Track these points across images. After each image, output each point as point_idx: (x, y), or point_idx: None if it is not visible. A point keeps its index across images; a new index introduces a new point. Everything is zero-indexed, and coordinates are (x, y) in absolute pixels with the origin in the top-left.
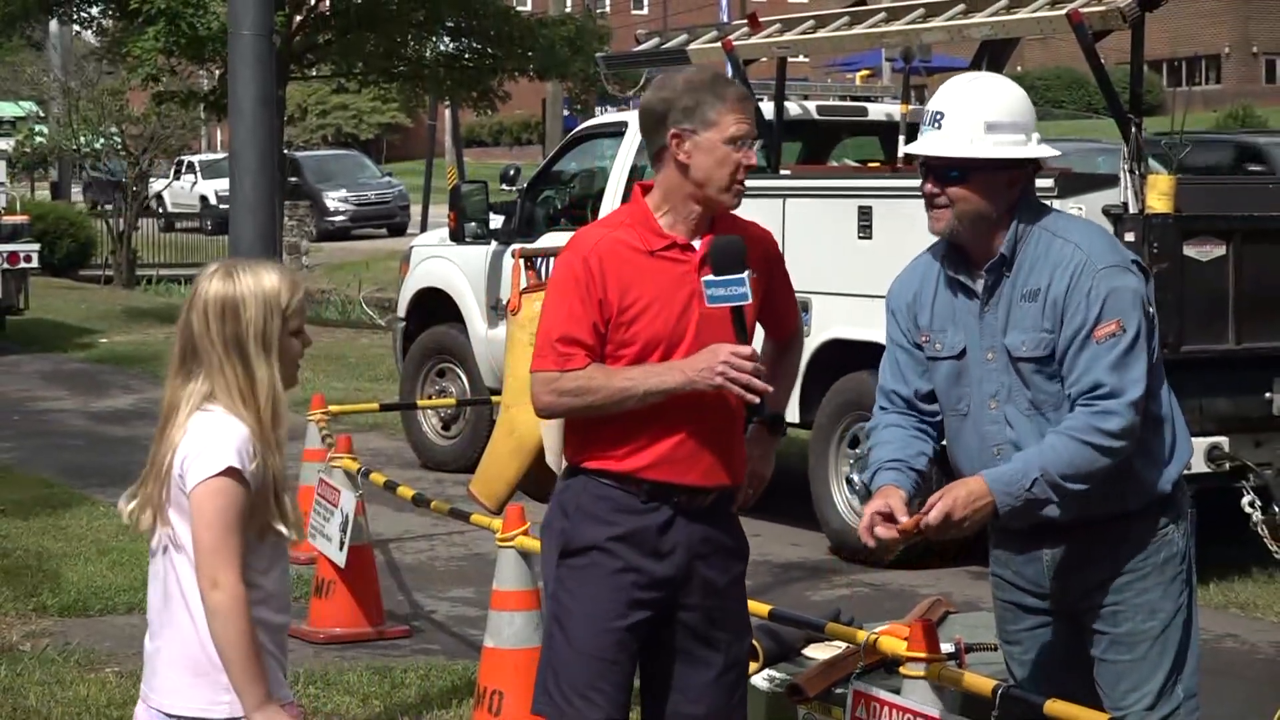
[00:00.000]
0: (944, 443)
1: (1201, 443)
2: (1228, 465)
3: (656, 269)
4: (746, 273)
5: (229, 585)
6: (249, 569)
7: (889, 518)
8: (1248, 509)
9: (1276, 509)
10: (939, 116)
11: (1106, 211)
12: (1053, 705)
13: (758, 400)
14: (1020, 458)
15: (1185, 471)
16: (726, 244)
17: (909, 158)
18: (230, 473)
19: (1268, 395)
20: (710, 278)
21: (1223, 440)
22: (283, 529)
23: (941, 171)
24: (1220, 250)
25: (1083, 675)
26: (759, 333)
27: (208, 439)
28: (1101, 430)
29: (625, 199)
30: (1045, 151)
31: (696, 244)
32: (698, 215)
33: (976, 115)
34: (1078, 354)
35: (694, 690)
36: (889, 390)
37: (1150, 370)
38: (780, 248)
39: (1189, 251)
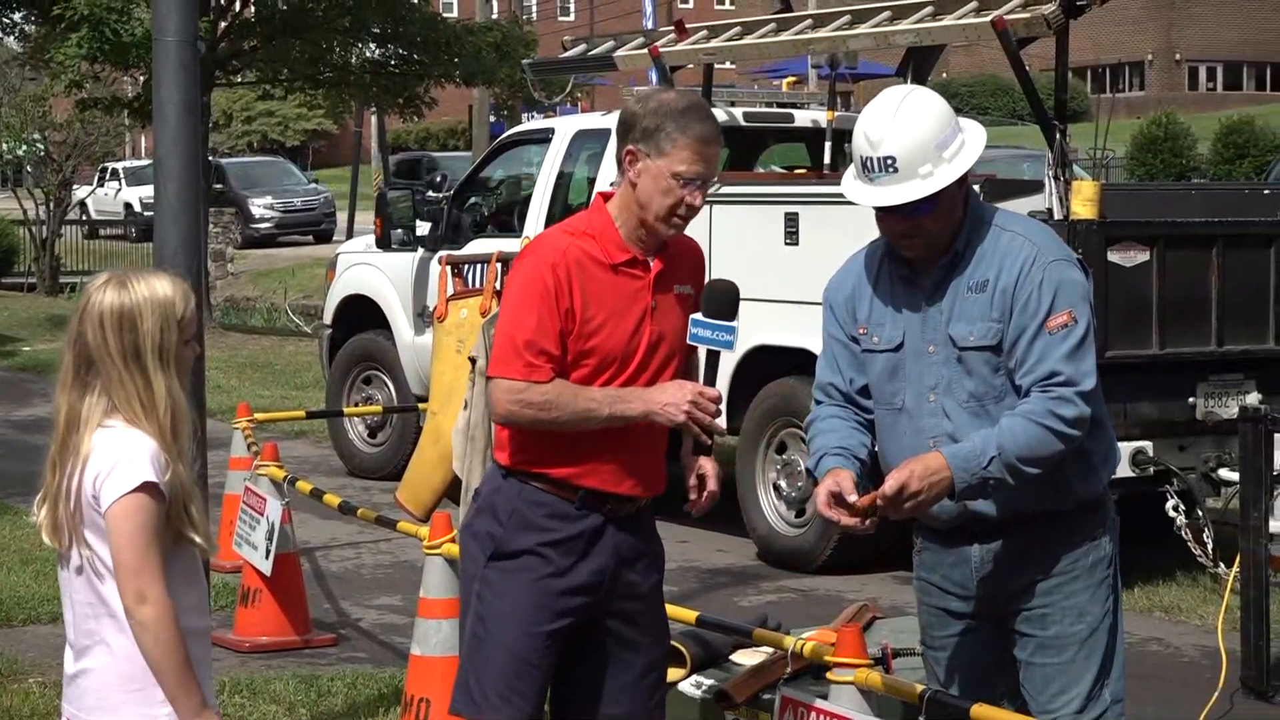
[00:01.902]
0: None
1: (1126, 447)
2: (1152, 470)
3: (616, 284)
4: (736, 322)
5: (156, 598)
6: (169, 580)
7: (840, 499)
8: (1172, 513)
9: (1200, 513)
10: (890, 162)
11: (1031, 217)
12: (980, 710)
13: (711, 442)
14: (977, 437)
15: (1111, 476)
16: (723, 290)
17: (844, 151)
18: (146, 487)
19: (1191, 400)
20: (699, 318)
21: (1147, 445)
22: (195, 537)
23: (909, 209)
24: (1144, 256)
25: (1009, 681)
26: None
27: (118, 456)
28: (1058, 416)
29: (552, 205)
30: (978, 133)
31: (652, 262)
32: (647, 234)
33: (926, 144)
34: (1031, 344)
35: (613, 692)
36: (826, 384)
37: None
38: (707, 254)
39: (1113, 257)
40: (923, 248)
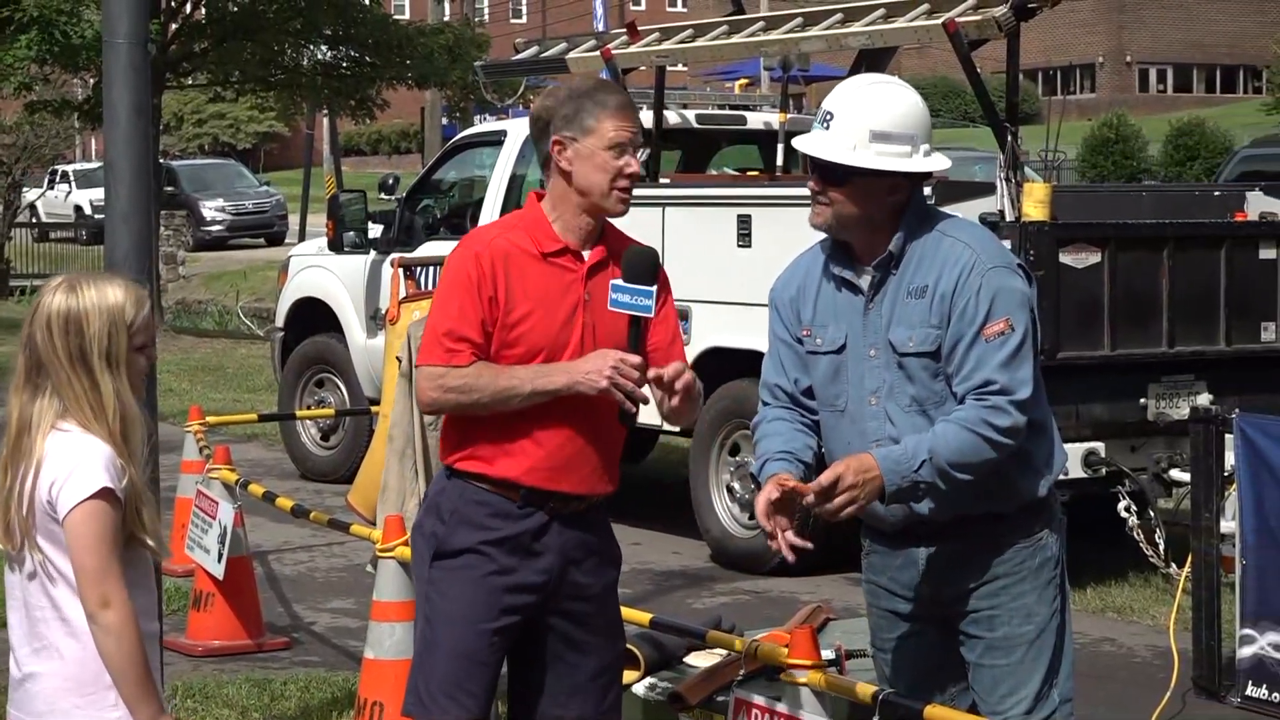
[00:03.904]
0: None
1: (1078, 448)
2: (1104, 470)
3: (546, 274)
4: (655, 286)
5: (120, 603)
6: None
7: (781, 505)
8: (1124, 514)
9: (1152, 513)
10: (829, 116)
11: (983, 219)
12: (932, 711)
13: (635, 410)
14: (909, 441)
15: (1061, 477)
16: (642, 253)
17: (797, 153)
18: (104, 493)
19: (1142, 401)
20: (618, 282)
21: (1099, 445)
22: (148, 540)
23: (825, 170)
24: (1095, 258)
25: (959, 682)
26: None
27: (75, 462)
28: (991, 424)
29: (505, 208)
30: (931, 164)
31: (586, 254)
32: (587, 224)
33: (863, 123)
34: (967, 351)
35: (564, 694)
36: (772, 384)
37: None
38: (660, 256)
39: (1065, 259)
40: (827, 221)
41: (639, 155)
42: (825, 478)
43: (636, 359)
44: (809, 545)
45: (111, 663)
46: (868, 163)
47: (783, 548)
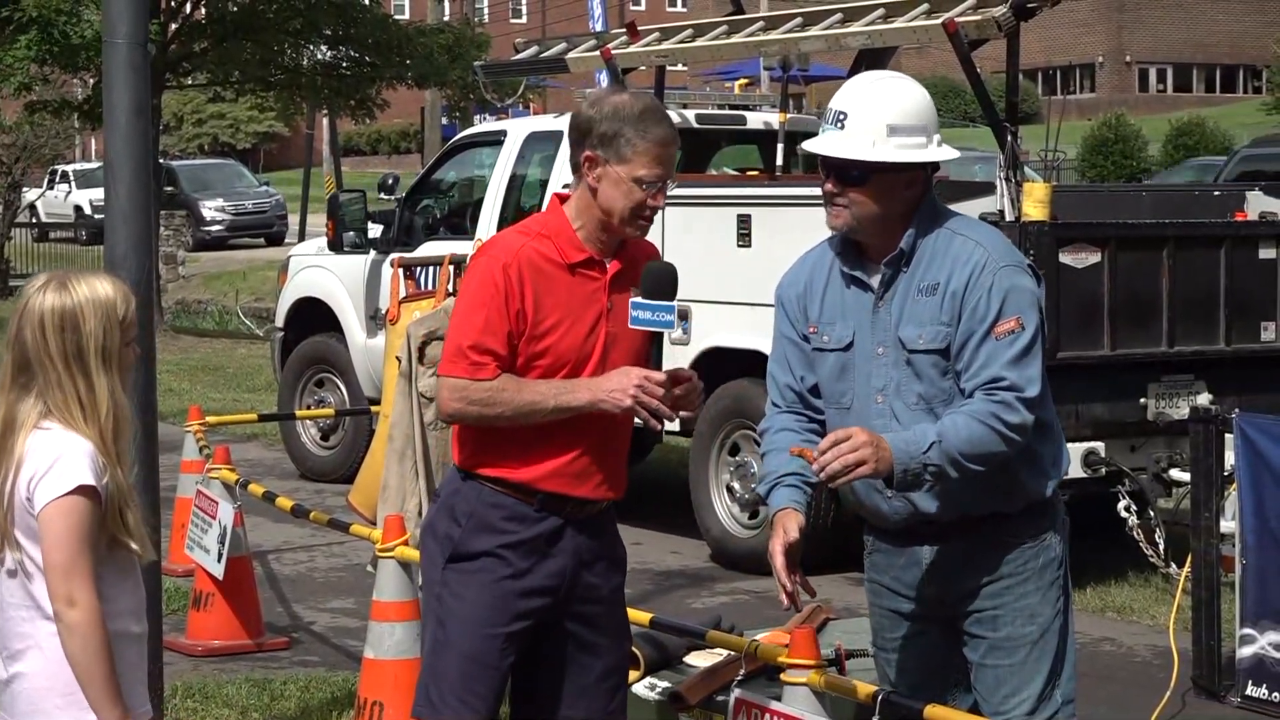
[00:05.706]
0: None
1: (1078, 448)
2: (1104, 470)
3: (572, 285)
4: (675, 303)
5: (85, 602)
6: (104, 583)
7: (792, 551)
8: (1124, 514)
9: (1152, 513)
10: (842, 116)
11: (983, 219)
12: (933, 710)
13: (661, 428)
14: (917, 427)
15: (1063, 477)
16: (661, 270)
17: (796, 153)
18: (82, 490)
19: (1142, 400)
20: (639, 300)
21: (1099, 445)
22: (131, 543)
23: (842, 171)
24: (1095, 258)
25: (961, 682)
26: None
27: (54, 458)
28: (1001, 419)
29: (504, 207)
30: (946, 154)
31: (608, 263)
32: (609, 237)
33: (879, 117)
34: (977, 348)
35: (572, 695)
36: (781, 384)
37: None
38: (661, 256)
39: (1065, 259)
40: (846, 222)
41: (667, 189)
42: (841, 431)
43: (660, 376)
44: (812, 595)
45: (74, 662)
46: (890, 156)
47: (796, 600)
